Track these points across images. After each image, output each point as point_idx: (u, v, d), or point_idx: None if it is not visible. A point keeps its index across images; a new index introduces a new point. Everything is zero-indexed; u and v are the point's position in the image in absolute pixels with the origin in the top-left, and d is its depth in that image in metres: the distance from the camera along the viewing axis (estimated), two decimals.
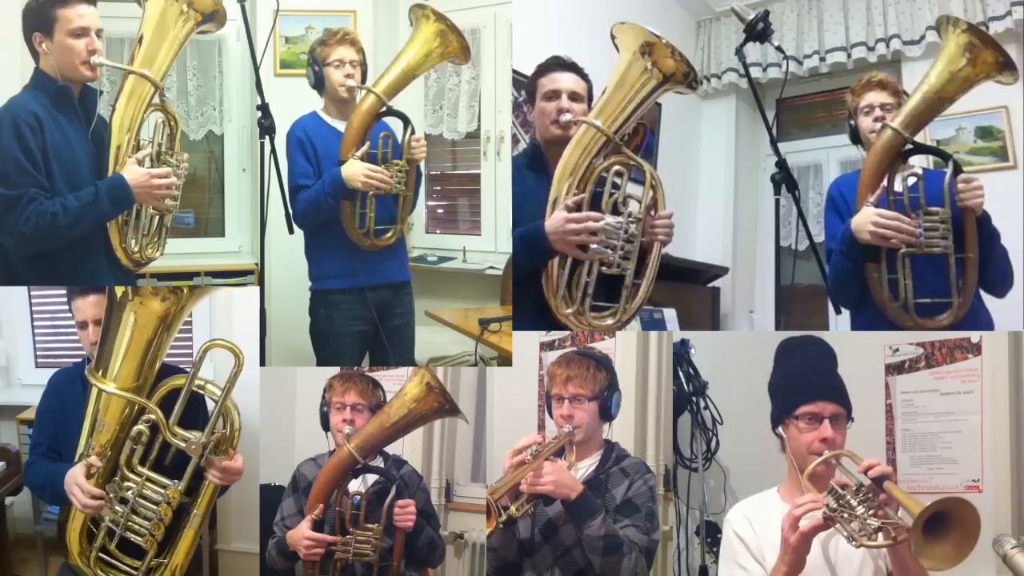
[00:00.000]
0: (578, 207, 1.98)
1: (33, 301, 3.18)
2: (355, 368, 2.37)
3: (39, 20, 2.04)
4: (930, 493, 2.22)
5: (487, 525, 1.84)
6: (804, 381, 1.73)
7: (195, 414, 1.91)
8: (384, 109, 2.41)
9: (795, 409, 1.69)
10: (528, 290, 2.07)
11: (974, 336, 2.26)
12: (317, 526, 1.92)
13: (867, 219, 2.11)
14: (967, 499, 1.43)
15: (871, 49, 4.10)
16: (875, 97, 2.28)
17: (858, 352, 2.30)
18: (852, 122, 2.35)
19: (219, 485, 1.87)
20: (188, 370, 1.84)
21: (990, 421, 2.24)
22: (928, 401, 2.32)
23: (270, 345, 2.51)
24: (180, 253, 3.44)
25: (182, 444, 1.81)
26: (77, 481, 1.80)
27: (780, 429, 1.73)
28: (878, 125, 2.21)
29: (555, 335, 2.46)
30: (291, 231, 2.48)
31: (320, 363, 2.59)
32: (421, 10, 2.42)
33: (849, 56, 4.17)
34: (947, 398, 2.30)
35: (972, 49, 2.04)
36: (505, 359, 2.55)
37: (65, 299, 2.07)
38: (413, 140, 2.45)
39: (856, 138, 2.36)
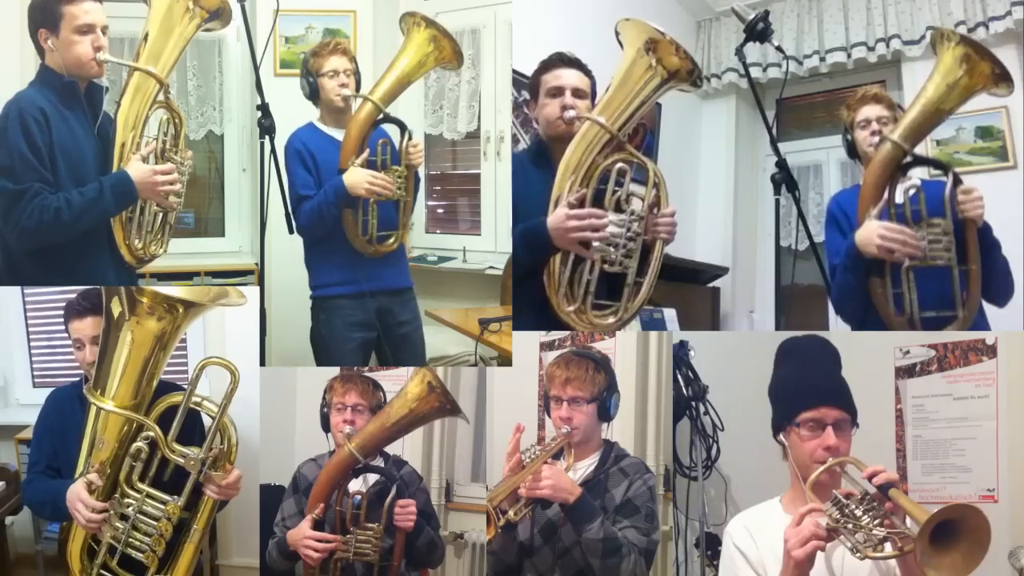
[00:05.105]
0: (581, 204, 1.97)
1: (29, 320, 3.17)
2: (355, 369, 2.36)
3: (45, 16, 2.03)
4: (943, 503, 2.12)
5: (487, 532, 1.84)
6: (805, 385, 1.63)
7: (192, 430, 1.91)
8: (381, 116, 2.42)
9: (796, 416, 1.59)
10: (528, 289, 2.07)
11: (989, 337, 2.20)
12: (317, 525, 1.92)
13: (872, 232, 2.08)
14: (976, 506, 1.37)
15: (871, 49, 4.09)
16: (870, 111, 2.28)
17: (866, 353, 2.21)
18: (849, 136, 2.35)
19: (218, 500, 1.87)
20: (185, 386, 1.84)
21: (1006, 427, 2.16)
22: (940, 406, 2.24)
23: (270, 345, 2.51)
24: (180, 253, 3.44)
25: (180, 460, 1.81)
26: (80, 497, 1.80)
27: (781, 436, 1.63)
28: (875, 139, 2.21)
29: (555, 335, 2.46)
30: (291, 231, 2.48)
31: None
32: (412, 18, 2.44)
33: (849, 56, 4.16)
34: (961, 403, 2.22)
35: (968, 60, 2.03)
36: (505, 359, 2.55)
37: (62, 318, 2.06)
38: (411, 146, 2.46)
39: (853, 152, 2.36)
